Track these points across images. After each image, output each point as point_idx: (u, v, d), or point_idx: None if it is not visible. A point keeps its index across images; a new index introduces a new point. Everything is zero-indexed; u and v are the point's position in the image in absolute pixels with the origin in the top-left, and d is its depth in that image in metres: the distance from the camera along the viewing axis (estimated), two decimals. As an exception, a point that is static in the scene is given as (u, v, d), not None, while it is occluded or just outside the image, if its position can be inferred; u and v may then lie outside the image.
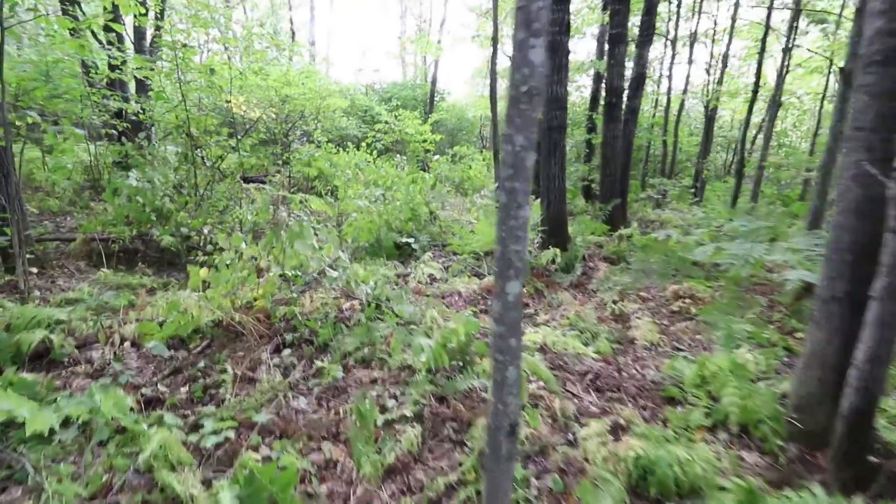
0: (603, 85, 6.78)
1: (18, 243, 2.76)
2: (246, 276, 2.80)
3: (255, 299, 2.92)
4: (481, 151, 15.26)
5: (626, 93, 6.65)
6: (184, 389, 2.18)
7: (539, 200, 5.21)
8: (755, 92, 8.43)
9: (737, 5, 11.27)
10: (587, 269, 4.92)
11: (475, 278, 4.24)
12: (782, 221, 4.20)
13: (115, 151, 6.64)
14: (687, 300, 4.08)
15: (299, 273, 3.41)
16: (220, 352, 2.51)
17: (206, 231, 4.47)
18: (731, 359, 2.40)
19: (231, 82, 5.16)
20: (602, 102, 6.46)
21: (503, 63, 12.30)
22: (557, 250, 4.53)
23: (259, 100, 6.40)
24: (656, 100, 13.21)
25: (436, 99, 14.25)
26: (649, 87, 11.94)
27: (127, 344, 2.46)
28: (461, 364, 2.43)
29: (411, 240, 4.73)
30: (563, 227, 5.12)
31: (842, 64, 4.38)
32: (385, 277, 4.10)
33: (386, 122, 11.82)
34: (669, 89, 10.99)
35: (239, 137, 5.61)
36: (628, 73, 6.61)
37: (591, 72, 11.91)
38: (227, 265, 2.70)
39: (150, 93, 5.93)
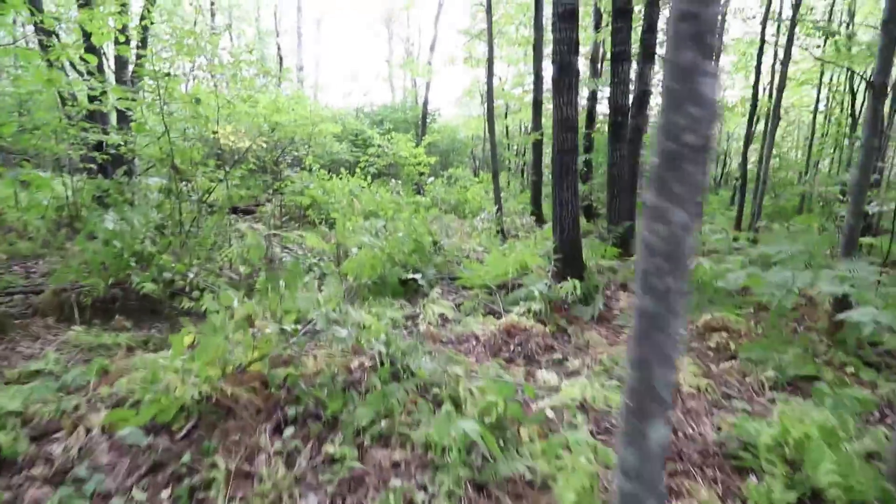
0: (599, 104, 6.54)
1: (-32, 309, 2.34)
2: (239, 339, 2.41)
3: (250, 363, 2.52)
4: (475, 173, 15.06)
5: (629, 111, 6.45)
6: (165, 494, 1.77)
7: (551, 226, 4.89)
8: (754, 106, 8.31)
9: (723, 20, 11.31)
10: (607, 300, 4.59)
11: (491, 317, 3.88)
12: (817, 243, 3.92)
13: (94, 186, 6.24)
14: (723, 333, 3.75)
15: (299, 327, 3.02)
16: (210, 436, 2.09)
17: (191, 275, 4.07)
18: (818, 420, 2.05)
19: (218, 111, 4.83)
20: (608, 121, 6.22)
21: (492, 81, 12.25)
22: (576, 282, 4.20)
23: (248, 128, 6.07)
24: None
25: (427, 120, 14.06)
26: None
27: (96, 431, 2.04)
28: (499, 439, 2.05)
29: (417, 275, 4.36)
30: (579, 255, 4.80)
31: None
32: (393, 321, 3.72)
33: (379, 146, 11.56)
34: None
35: (227, 169, 5.24)
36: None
37: (584, 91, 11.82)
38: (216, 328, 2.30)
39: (131, 124, 5.56)
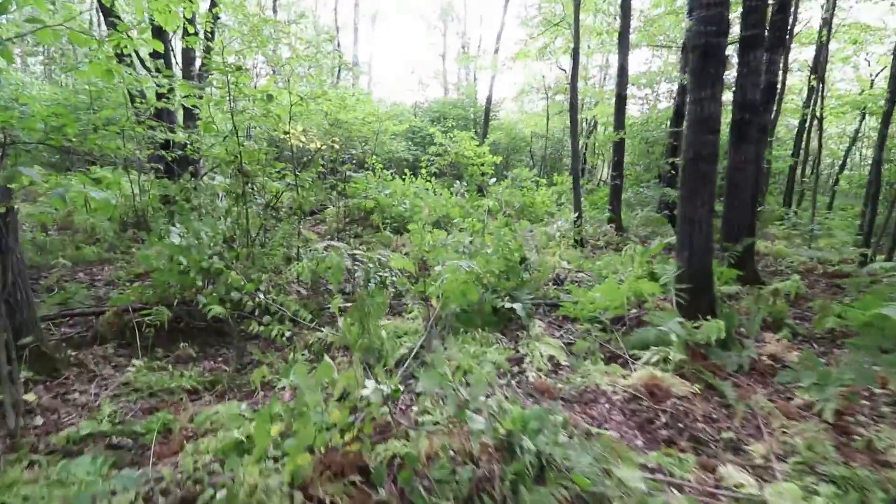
0: (731, 97, 5.57)
1: (7, 357, 1.88)
2: (336, 420, 1.80)
3: (346, 442, 1.91)
4: (543, 174, 14.17)
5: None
6: None
7: (676, 251, 4.05)
8: (893, 102, 6.96)
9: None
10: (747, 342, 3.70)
11: (616, 366, 3.11)
12: None
13: (162, 185, 5.98)
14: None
15: (399, 379, 2.41)
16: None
17: (261, 296, 3.57)
18: None
19: (291, 109, 4.33)
20: (731, 119, 5.26)
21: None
22: (720, 322, 3.35)
23: (317, 128, 5.58)
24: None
25: (490, 117, 13.29)
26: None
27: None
28: None
29: (517, 305, 3.65)
30: (710, 286, 3.94)
31: None
32: (495, 365, 3.05)
33: (440, 144, 10.94)
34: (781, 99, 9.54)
35: (297, 172, 4.75)
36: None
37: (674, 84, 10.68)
38: (308, 410, 1.70)
39: (198, 123, 5.20)
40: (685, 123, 3.77)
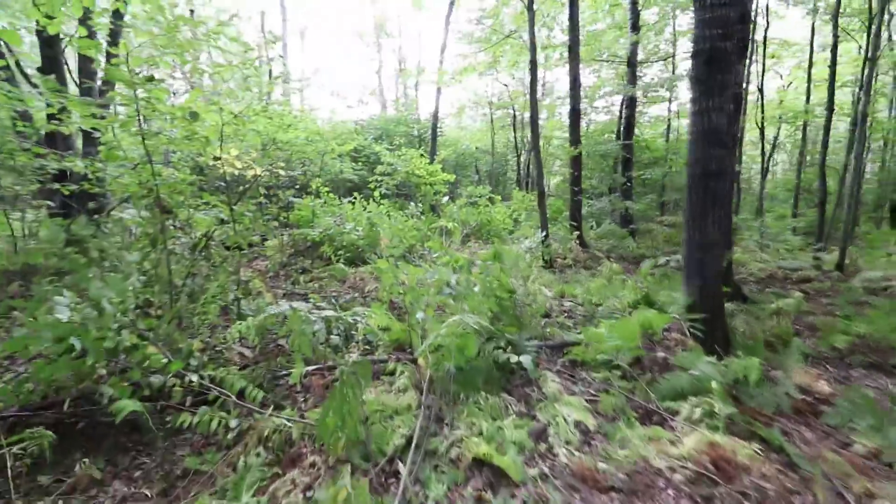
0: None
1: None
2: None
3: None
4: (489, 188, 13.80)
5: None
6: None
7: (683, 278, 3.65)
8: (830, 110, 7.29)
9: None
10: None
11: (657, 428, 2.57)
12: None
13: (55, 224, 4.80)
14: None
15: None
16: None
17: (192, 376, 2.68)
18: None
19: (222, 130, 3.48)
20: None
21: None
22: (754, 360, 2.95)
23: (254, 150, 4.71)
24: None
25: (436, 134, 12.81)
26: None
27: None
28: None
29: (525, 359, 3.02)
30: (722, 314, 3.58)
31: None
32: (517, 445, 2.40)
33: (388, 164, 10.25)
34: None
35: (232, 205, 3.88)
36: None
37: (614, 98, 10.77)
38: None
39: (99, 149, 4.17)
40: (689, 137, 3.40)
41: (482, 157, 17.27)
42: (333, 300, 4.79)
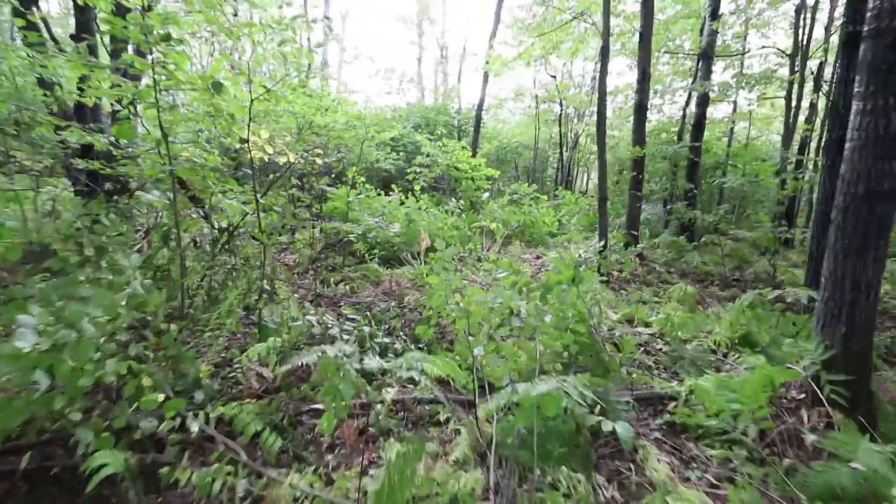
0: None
1: None
2: None
3: None
4: (530, 185, 12.97)
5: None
6: None
7: (821, 322, 2.84)
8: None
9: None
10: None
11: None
12: None
13: (72, 203, 4.34)
14: None
15: None
16: None
17: (192, 424, 2.09)
18: None
19: (251, 106, 2.87)
20: (826, 133, 4.17)
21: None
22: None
23: (288, 133, 4.11)
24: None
25: (480, 125, 12.03)
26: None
27: None
28: None
29: (619, 427, 2.30)
30: (868, 373, 2.75)
31: None
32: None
33: (428, 155, 9.57)
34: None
35: (259, 195, 3.28)
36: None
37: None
38: None
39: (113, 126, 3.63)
40: (848, 145, 2.57)
41: (523, 153, 16.40)
42: (367, 314, 4.17)
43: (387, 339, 3.61)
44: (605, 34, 5.80)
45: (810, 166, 9.00)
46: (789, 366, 2.88)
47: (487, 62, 9.09)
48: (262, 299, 3.07)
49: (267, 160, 3.46)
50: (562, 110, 14.69)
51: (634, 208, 7.59)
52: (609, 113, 13.70)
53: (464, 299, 3.09)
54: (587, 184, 21.86)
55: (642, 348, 3.89)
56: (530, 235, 9.18)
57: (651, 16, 7.28)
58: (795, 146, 10.13)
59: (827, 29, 7.77)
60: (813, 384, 2.79)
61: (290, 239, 5.10)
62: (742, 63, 12.58)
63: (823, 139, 4.13)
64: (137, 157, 3.44)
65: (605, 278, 6.34)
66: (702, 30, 10.18)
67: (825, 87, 6.89)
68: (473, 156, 9.95)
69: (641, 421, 2.73)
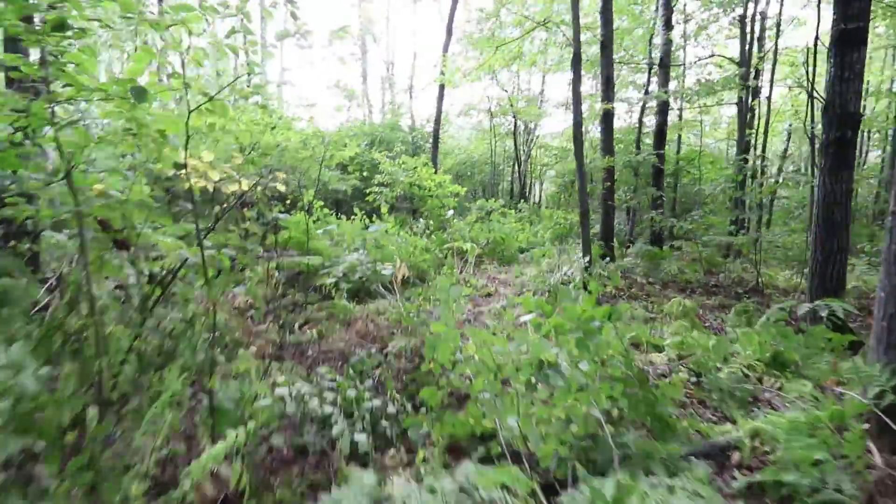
0: (817, 110, 4.36)
1: None
2: None
3: None
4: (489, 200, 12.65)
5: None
6: None
7: (883, 341, 2.50)
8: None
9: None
10: None
11: None
12: None
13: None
14: None
15: None
16: None
17: None
18: None
19: (188, 122, 2.16)
20: (822, 137, 3.99)
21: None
22: None
23: (235, 155, 3.37)
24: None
25: (438, 141, 11.57)
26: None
27: None
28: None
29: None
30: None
31: None
32: None
33: (388, 174, 8.96)
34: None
35: (201, 232, 2.55)
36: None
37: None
38: None
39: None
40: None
41: (480, 168, 16.15)
42: (346, 366, 3.46)
43: (377, 401, 2.93)
44: (576, 41, 5.53)
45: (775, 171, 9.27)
46: (856, 396, 2.52)
47: (443, 73, 8.66)
48: (214, 373, 2.32)
49: (211, 189, 2.73)
50: (516, 124, 14.60)
51: (609, 218, 7.35)
52: (562, 127, 13.77)
53: (479, 349, 2.50)
54: (540, 195, 22.04)
55: (666, 379, 3.45)
56: (501, 253, 8.75)
57: (611, 24, 7.18)
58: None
59: (777, 35, 8.13)
60: (881, 414, 2.44)
61: (243, 279, 4.31)
62: (684, 72, 13.02)
63: (817, 141, 3.95)
64: (32, 194, 2.59)
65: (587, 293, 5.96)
66: (650, 41, 10.39)
67: (808, 87, 6.99)
68: (434, 173, 9.45)
69: (712, 482, 2.24)
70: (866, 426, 2.64)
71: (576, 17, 5.47)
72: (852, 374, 2.69)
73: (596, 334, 2.46)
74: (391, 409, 2.91)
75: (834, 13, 3.75)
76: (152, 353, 2.76)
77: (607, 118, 7.30)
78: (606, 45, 7.11)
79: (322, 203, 6.73)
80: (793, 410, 2.88)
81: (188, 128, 2.24)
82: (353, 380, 3.18)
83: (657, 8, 8.75)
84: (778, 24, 8.20)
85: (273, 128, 5.25)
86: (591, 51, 9.52)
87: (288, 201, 5.68)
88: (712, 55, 9.87)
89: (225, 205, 3.02)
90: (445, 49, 9.90)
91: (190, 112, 2.17)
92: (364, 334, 4.38)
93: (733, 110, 13.97)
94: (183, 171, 2.25)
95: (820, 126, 4.24)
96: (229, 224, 3.80)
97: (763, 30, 8.98)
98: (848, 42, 3.67)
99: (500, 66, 9.19)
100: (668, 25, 8.09)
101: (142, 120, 2.08)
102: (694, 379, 3.38)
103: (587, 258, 5.89)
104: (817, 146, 3.92)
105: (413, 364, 3.52)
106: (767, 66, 8.76)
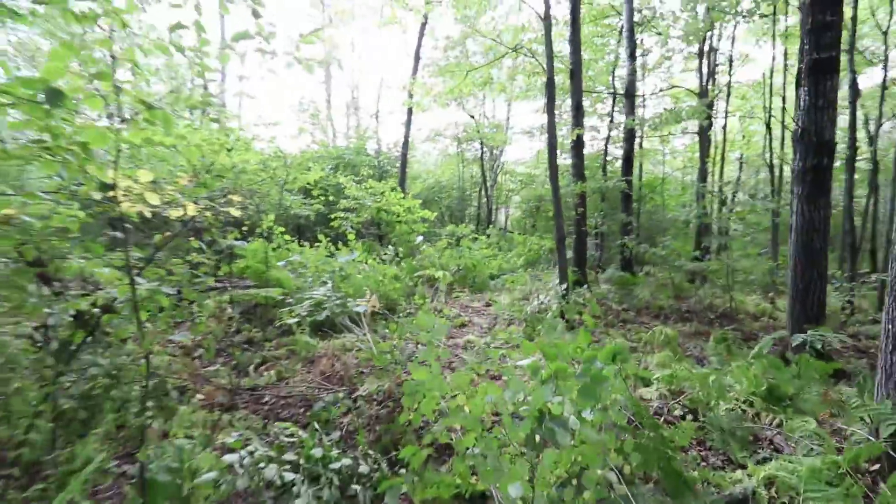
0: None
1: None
2: None
3: None
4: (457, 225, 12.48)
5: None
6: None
7: (891, 378, 2.37)
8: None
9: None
10: None
11: None
12: None
13: None
14: None
15: None
16: None
17: None
18: None
19: (117, 132, 1.79)
20: (798, 166, 4.00)
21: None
22: None
23: (184, 175, 2.96)
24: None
25: (406, 166, 11.34)
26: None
27: None
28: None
29: None
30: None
31: None
32: None
33: (354, 198, 8.61)
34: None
35: (130, 264, 2.13)
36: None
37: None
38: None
39: None
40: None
41: (448, 193, 16.04)
42: (309, 415, 3.03)
43: (346, 460, 2.53)
44: (549, 67, 5.49)
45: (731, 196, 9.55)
46: (863, 433, 2.35)
47: (411, 96, 8.51)
48: (146, 441, 1.88)
49: (150, 215, 2.32)
50: (482, 150, 14.64)
51: (582, 244, 7.27)
52: (527, 154, 13.90)
53: (469, 399, 2.17)
54: (506, 221, 22.17)
55: (661, 419, 3.22)
56: (473, 280, 8.49)
57: (579, 52, 7.27)
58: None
59: (730, 70, 8.56)
60: (892, 452, 2.28)
61: (190, 315, 3.80)
62: (643, 102, 13.50)
63: (794, 168, 3.95)
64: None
65: (568, 324, 5.77)
66: (613, 72, 10.71)
67: (777, 116, 7.25)
68: (403, 198, 9.18)
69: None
70: (875, 466, 2.48)
71: (548, 43, 5.45)
72: (852, 408, 2.54)
73: (604, 380, 2.19)
74: (363, 467, 2.51)
75: (806, 44, 3.81)
76: (70, 413, 2.27)
77: (578, 143, 7.31)
78: (576, 73, 7.17)
79: (283, 229, 6.27)
80: (798, 452, 2.70)
81: (120, 141, 1.86)
82: (317, 432, 2.76)
83: (620, 41, 9.02)
84: (730, 60, 8.63)
85: (230, 149, 4.84)
86: (558, 79, 9.68)
87: (245, 227, 5.21)
88: (672, 87, 10.31)
89: (167, 233, 2.60)
90: (413, 74, 9.82)
91: (122, 122, 1.79)
92: (329, 375, 3.94)
93: (688, 140, 14.65)
94: (111, 192, 1.85)
95: (787, 154, 4.28)
96: (175, 254, 3.34)
97: (716, 64, 9.42)
98: (821, 71, 3.72)
99: (470, 92, 9.16)
100: (632, 57, 8.32)
101: (57, 130, 1.68)
102: (690, 417, 3.16)
103: (564, 286, 5.70)
104: (794, 174, 3.90)
105: (388, 410, 3.12)
106: (721, 98, 9.19)
